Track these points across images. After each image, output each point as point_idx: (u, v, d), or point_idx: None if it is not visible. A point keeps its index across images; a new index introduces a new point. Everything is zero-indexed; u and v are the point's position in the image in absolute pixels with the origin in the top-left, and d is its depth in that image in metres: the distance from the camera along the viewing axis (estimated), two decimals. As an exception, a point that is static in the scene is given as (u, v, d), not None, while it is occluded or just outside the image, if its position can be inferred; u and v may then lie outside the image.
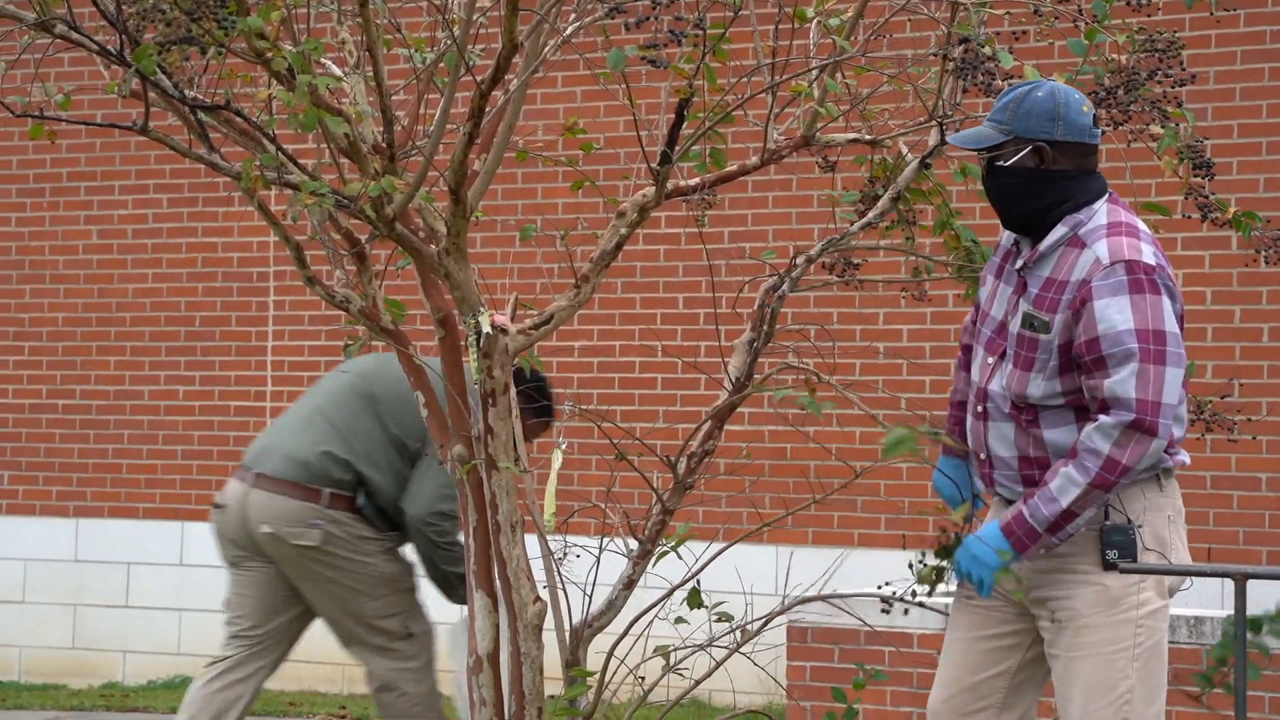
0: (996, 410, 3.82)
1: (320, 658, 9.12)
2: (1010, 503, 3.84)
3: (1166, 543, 3.78)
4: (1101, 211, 3.81)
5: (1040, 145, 3.81)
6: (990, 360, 3.85)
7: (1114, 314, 3.66)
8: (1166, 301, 3.69)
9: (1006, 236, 3.99)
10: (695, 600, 4.47)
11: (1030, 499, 3.71)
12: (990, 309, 3.92)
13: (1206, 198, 4.36)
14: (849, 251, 4.72)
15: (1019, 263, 3.87)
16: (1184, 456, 3.84)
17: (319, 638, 9.15)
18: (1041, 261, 3.82)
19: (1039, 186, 3.81)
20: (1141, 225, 3.82)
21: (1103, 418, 3.66)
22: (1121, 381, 3.65)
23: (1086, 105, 3.85)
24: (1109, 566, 3.70)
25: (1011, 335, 3.82)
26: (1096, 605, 3.72)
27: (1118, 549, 3.70)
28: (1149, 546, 3.73)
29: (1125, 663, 3.72)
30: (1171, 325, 3.68)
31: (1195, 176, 4.34)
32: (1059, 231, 3.80)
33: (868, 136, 4.65)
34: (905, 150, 4.57)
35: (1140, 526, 3.72)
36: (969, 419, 3.91)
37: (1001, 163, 3.83)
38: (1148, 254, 3.73)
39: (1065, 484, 3.66)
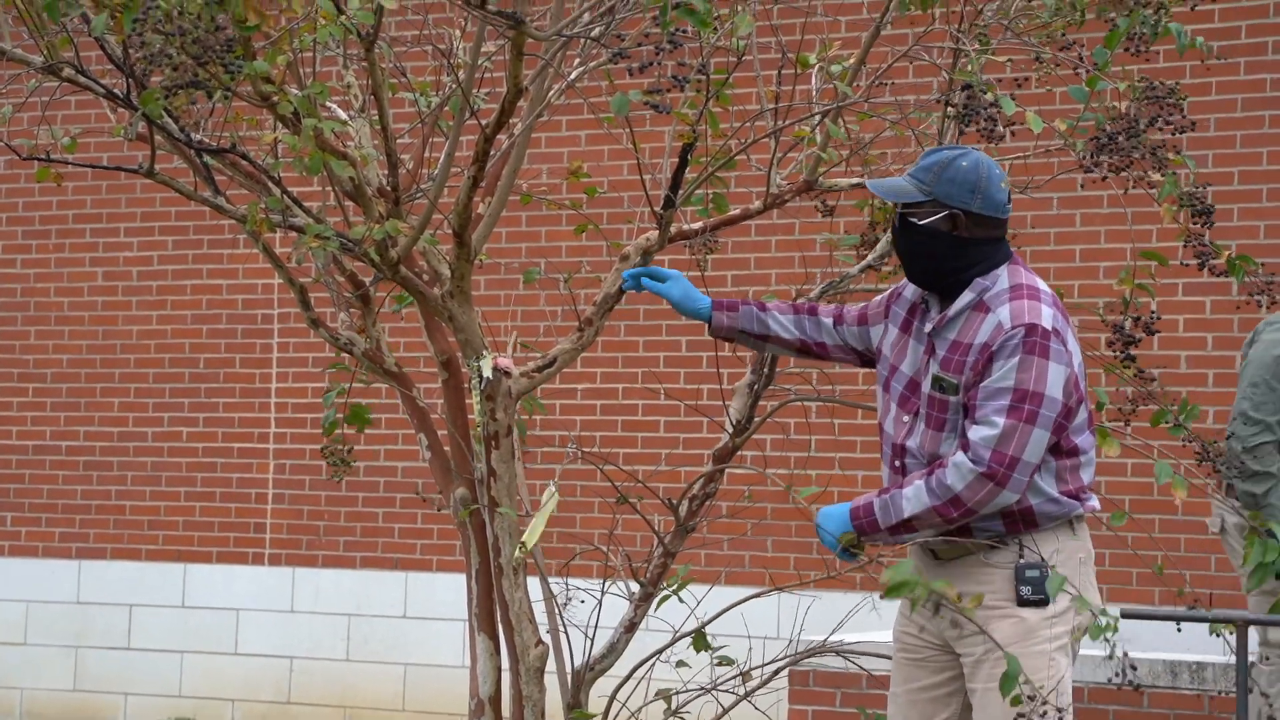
0: (915, 464, 3.97)
1: (319, 700, 9.10)
2: (934, 552, 4.00)
3: (1078, 585, 3.92)
4: (1004, 275, 3.93)
5: (956, 213, 3.92)
6: (906, 418, 3.99)
7: (1003, 371, 3.83)
8: (1053, 367, 3.83)
9: (910, 290, 4.09)
10: (701, 643, 4.47)
11: (886, 494, 3.91)
12: (900, 364, 4.03)
13: (1204, 245, 4.37)
14: (848, 295, 4.74)
15: (928, 325, 3.99)
16: (1094, 502, 3.99)
17: (319, 680, 9.14)
18: (950, 325, 3.94)
19: (947, 250, 3.93)
20: (1042, 286, 3.94)
21: (962, 456, 3.84)
22: (988, 434, 3.82)
23: (1005, 181, 3.97)
24: (1023, 602, 3.88)
25: (923, 395, 3.96)
26: (1013, 637, 3.86)
27: (1031, 585, 3.88)
28: (1064, 588, 3.85)
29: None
30: (1052, 390, 3.83)
31: (1194, 224, 4.35)
32: (967, 297, 3.93)
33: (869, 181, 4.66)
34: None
35: (1053, 567, 3.89)
36: (886, 470, 4.07)
37: (915, 220, 3.94)
38: (1046, 317, 3.86)
39: (915, 497, 3.86)
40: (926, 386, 3.94)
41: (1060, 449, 3.90)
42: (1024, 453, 3.81)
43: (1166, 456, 4.43)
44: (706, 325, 4.23)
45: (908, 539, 3.92)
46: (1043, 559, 3.87)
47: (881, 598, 3.54)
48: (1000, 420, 3.80)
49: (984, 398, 3.83)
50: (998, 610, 3.88)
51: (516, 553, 4.31)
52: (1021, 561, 3.89)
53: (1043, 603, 3.87)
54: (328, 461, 5.08)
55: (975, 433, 3.83)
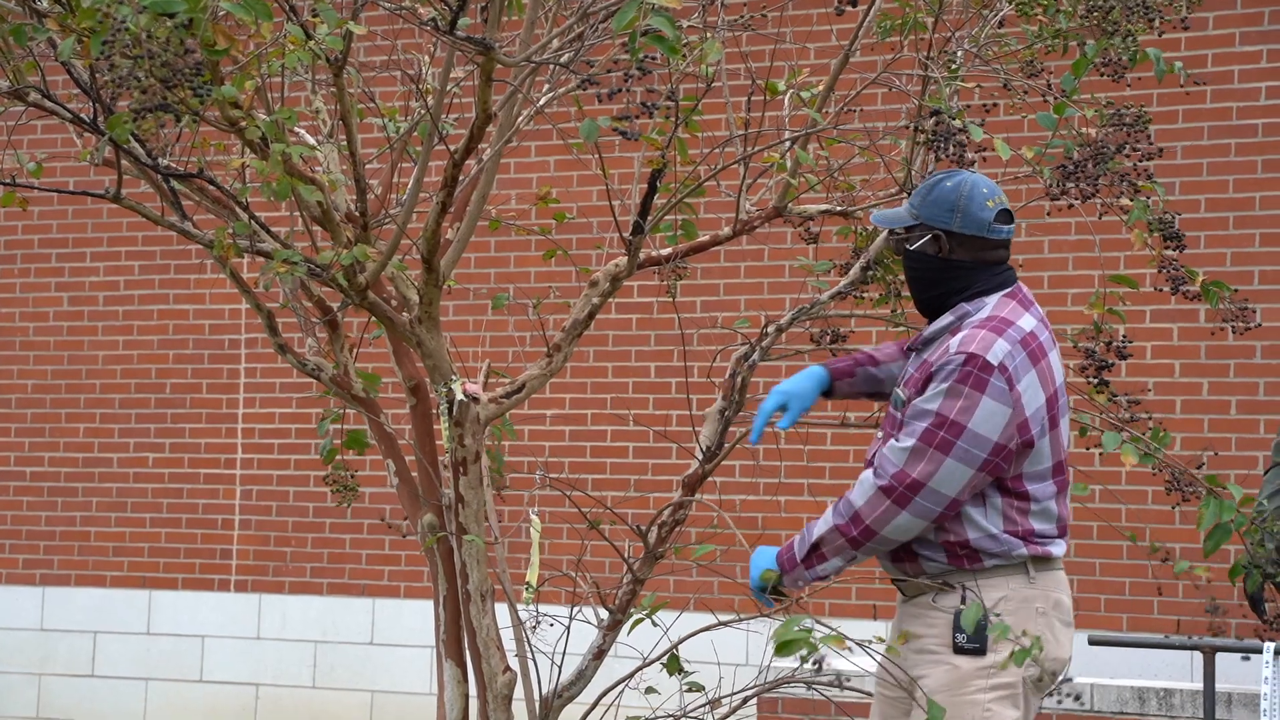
0: None
1: (288, 728, 9.06)
2: (894, 580, 3.93)
3: (1037, 634, 3.75)
4: (990, 305, 3.84)
5: (938, 233, 3.86)
6: (879, 435, 3.96)
7: (932, 394, 3.74)
8: (987, 402, 3.71)
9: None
10: (674, 665, 4.45)
11: (804, 526, 3.87)
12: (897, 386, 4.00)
13: (1178, 269, 4.38)
14: (834, 321, 4.74)
15: (907, 346, 3.97)
16: (1054, 548, 3.85)
17: (285, 708, 9.10)
18: (926, 345, 3.89)
19: (936, 274, 3.87)
20: (1022, 322, 3.81)
21: (867, 472, 3.80)
22: (897, 449, 3.74)
23: (993, 200, 3.86)
24: (958, 650, 3.78)
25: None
26: (945, 685, 3.78)
27: (966, 633, 3.77)
28: (1008, 636, 3.71)
29: None
30: (980, 426, 3.70)
31: (1166, 248, 4.36)
32: (945, 319, 3.87)
33: (839, 207, 4.67)
34: (875, 221, 4.59)
35: (998, 615, 3.74)
36: None
37: (909, 246, 3.91)
38: (997, 351, 3.73)
39: (823, 519, 3.82)
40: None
41: (1007, 489, 3.79)
42: (931, 480, 3.70)
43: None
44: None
45: (821, 570, 3.80)
46: (985, 607, 3.74)
47: (775, 654, 3.48)
48: (912, 441, 3.72)
49: (910, 415, 3.77)
50: (933, 655, 3.81)
51: (526, 594, 4.31)
52: (961, 606, 3.78)
53: (979, 651, 3.76)
54: (331, 490, 5.06)
55: (888, 447, 3.77)
